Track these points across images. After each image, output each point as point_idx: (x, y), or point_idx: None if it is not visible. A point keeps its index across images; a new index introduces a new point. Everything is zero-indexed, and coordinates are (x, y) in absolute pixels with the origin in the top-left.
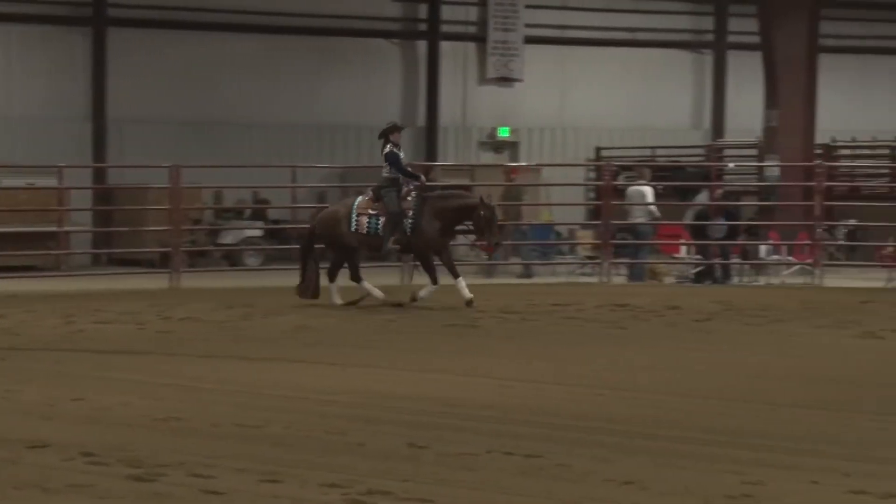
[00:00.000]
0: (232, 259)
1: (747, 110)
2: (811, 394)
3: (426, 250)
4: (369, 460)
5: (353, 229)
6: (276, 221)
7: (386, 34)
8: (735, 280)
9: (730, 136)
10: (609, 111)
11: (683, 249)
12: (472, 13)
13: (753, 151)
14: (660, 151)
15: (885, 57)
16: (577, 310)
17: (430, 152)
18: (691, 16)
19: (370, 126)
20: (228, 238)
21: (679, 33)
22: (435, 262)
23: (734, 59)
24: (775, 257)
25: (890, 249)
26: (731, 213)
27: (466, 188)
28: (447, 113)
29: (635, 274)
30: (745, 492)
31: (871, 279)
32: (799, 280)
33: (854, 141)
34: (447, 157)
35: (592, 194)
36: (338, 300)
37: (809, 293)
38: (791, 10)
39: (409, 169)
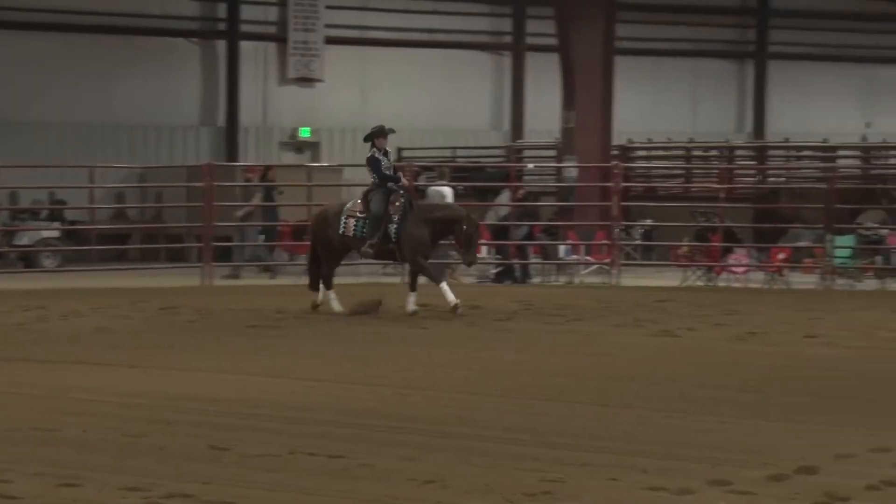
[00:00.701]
0: (28, 260)
1: (546, 111)
2: (609, 392)
3: (415, 254)
4: (169, 463)
5: (340, 231)
6: (73, 222)
7: (185, 33)
8: (535, 280)
9: (529, 138)
10: (410, 112)
11: (484, 249)
12: (273, 13)
13: (552, 152)
14: (461, 152)
15: (680, 59)
16: (381, 310)
17: (231, 152)
18: (490, 17)
19: (169, 126)
20: (24, 239)
21: (478, 35)
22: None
23: (532, 61)
24: (574, 257)
25: (685, 249)
26: (530, 214)
27: None
28: (247, 113)
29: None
30: (545, 489)
31: (667, 278)
32: (597, 279)
33: (650, 142)
34: (248, 157)
35: None
36: (337, 307)
37: (607, 292)
38: (587, 13)
39: (389, 172)
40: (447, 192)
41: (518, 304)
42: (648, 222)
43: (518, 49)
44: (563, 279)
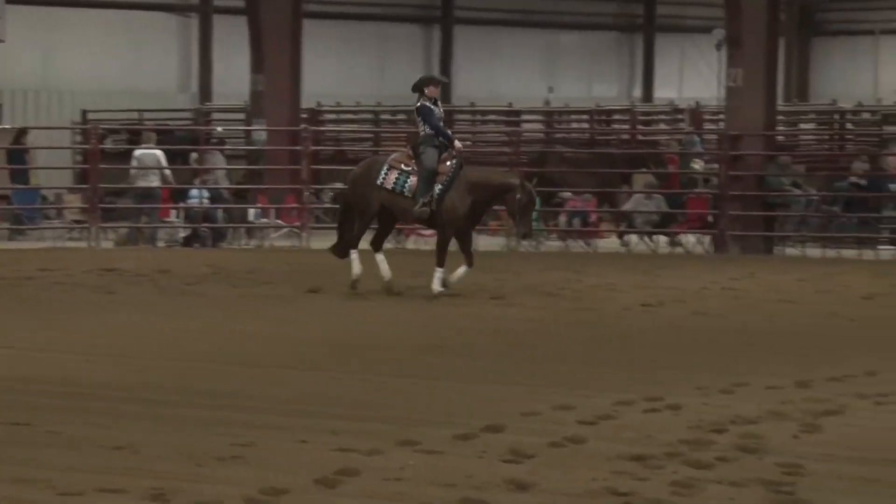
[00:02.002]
0: None
1: (235, 75)
2: (300, 355)
3: (448, 226)
4: None
5: (378, 181)
6: None
7: None
8: (225, 244)
9: (218, 101)
10: (96, 74)
11: (173, 213)
12: None
13: (241, 116)
14: (148, 115)
15: (368, 23)
16: (65, 275)
17: None
18: None
19: None
20: None
21: None
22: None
23: (221, 24)
24: (264, 220)
25: None
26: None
27: None
28: None
29: (132, 237)
30: (235, 453)
31: None
32: (287, 243)
33: (339, 106)
34: None
35: (80, 158)
36: (386, 273)
37: (297, 255)
38: None
39: (442, 125)
40: (160, 154)
41: (208, 268)
42: (338, 186)
43: (205, 11)
44: (253, 243)
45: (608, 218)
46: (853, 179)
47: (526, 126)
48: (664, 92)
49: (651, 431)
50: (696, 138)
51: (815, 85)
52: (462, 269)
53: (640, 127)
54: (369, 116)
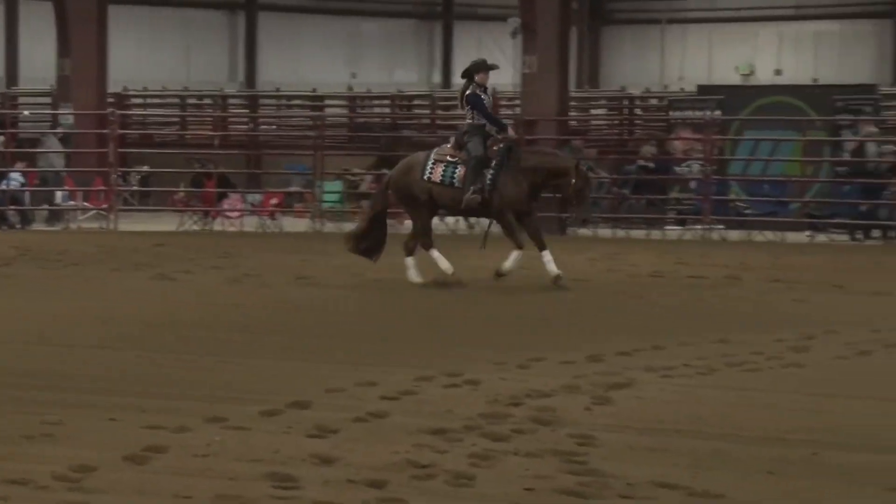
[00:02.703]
0: None
1: (41, 59)
2: (110, 335)
3: (506, 209)
4: None
5: (425, 177)
6: None
7: None
8: (32, 225)
9: (24, 85)
10: None
11: None
12: None
13: (48, 100)
14: None
15: (174, 9)
16: None
17: None
18: None
19: None
20: None
21: None
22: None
23: (27, 8)
24: (71, 203)
25: (181, 195)
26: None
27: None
28: None
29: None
30: (45, 431)
31: (164, 223)
32: (95, 225)
33: (145, 90)
34: None
35: None
36: (416, 278)
37: (105, 237)
38: None
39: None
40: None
41: (15, 249)
42: (145, 168)
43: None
44: (60, 225)
45: None
46: (642, 163)
47: (329, 111)
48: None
49: (451, 406)
50: None
51: (606, 72)
52: (514, 255)
53: (439, 112)
54: (176, 101)
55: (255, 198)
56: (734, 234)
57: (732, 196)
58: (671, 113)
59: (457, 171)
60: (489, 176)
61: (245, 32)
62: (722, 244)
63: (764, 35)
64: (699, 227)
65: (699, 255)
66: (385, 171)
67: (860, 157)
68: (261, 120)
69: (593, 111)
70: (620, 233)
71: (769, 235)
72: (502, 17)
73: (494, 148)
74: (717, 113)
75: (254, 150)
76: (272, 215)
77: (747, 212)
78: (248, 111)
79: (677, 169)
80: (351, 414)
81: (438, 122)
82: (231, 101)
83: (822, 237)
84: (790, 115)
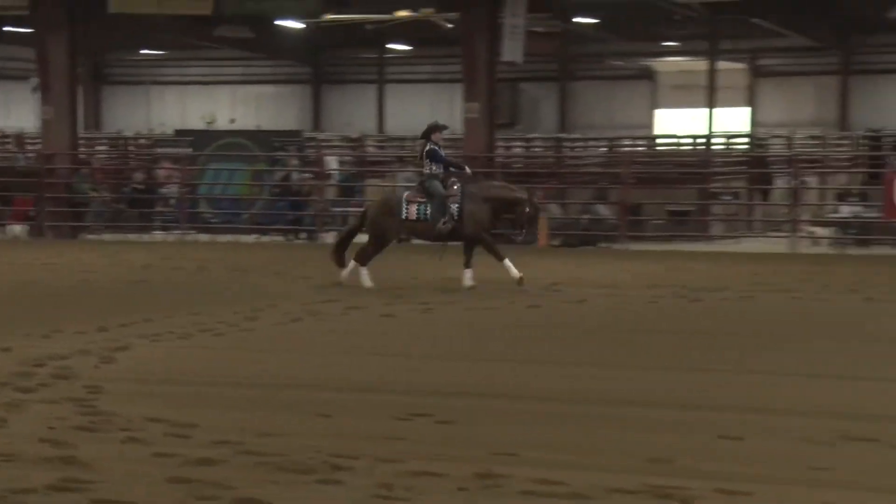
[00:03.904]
0: None
1: None
2: None
3: (480, 231)
4: None
5: (403, 216)
6: None
7: None
8: None
9: None
10: None
11: None
12: None
13: None
14: None
15: None
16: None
17: None
18: None
19: None
20: None
21: None
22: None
23: None
24: None
25: None
26: None
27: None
28: None
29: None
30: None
31: None
32: None
33: None
34: None
35: None
36: (368, 282)
37: None
38: None
39: (452, 160)
40: None
41: None
42: None
43: None
44: None
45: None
46: (135, 185)
47: None
48: None
49: None
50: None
51: (107, 119)
52: (507, 264)
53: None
54: None
55: None
56: (203, 237)
57: (201, 209)
58: (156, 149)
59: (428, 208)
60: (455, 208)
61: None
62: (195, 244)
63: (221, 94)
64: (178, 231)
65: (178, 252)
66: None
67: (289, 181)
68: None
69: (98, 147)
70: (120, 236)
71: (229, 237)
72: (25, 77)
73: (454, 187)
74: (190, 150)
75: None
76: None
77: (213, 221)
78: None
79: (162, 190)
80: None
81: None
82: None
83: (265, 238)
84: (242, 152)
